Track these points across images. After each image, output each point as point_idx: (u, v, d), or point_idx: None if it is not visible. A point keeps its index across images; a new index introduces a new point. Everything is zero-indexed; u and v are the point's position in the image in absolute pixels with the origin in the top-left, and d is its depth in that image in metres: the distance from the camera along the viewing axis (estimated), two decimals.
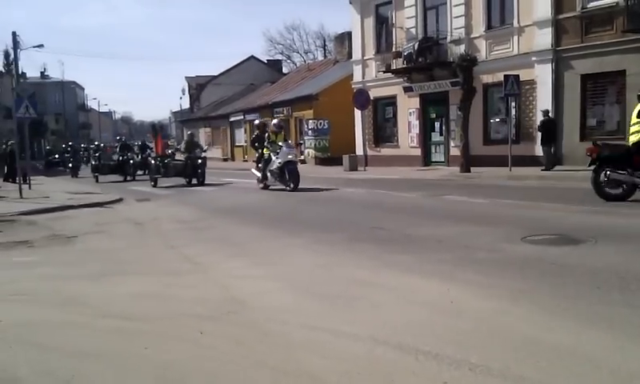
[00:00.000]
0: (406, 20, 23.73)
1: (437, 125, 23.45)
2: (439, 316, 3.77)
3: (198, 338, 3.53)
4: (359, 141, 26.00)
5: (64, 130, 73.33)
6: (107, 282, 5.35)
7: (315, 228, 8.18)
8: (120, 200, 14.19)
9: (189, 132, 25.47)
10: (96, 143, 37.04)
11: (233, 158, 41.48)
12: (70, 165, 30.50)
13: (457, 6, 21.56)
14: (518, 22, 19.70)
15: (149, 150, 24.46)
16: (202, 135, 48.32)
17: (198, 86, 53.38)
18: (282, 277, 5.21)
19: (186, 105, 64.10)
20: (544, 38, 18.83)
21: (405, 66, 23.00)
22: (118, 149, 26.51)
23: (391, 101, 25.44)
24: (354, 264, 5.56)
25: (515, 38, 19.91)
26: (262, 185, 15.88)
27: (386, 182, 17.59)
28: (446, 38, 22.01)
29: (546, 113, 17.90)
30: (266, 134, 16.30)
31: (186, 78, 58.03)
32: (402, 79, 24.03)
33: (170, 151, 21.00)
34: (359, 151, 25.83)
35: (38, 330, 3.90)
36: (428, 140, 23.80)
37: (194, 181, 18.83)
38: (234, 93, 47.04)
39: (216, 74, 52.23)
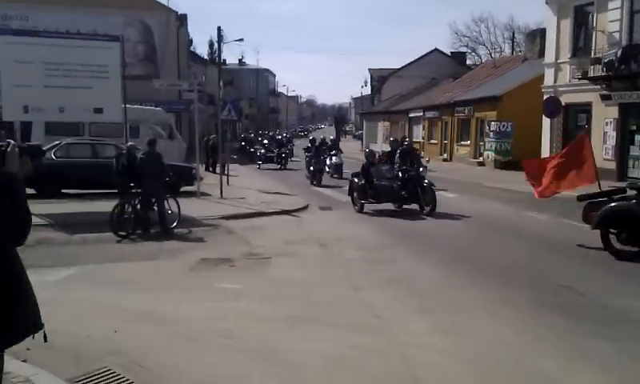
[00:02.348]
0: (609, 23, 21.74)
1: (637, 138, 21.33)
2: None
3: None
4: (545, 148, 24.60)
5: (256, 113, 79.26)
6: (299, 333, 5.86)
7: (497, 276, 8.06)
8: (305, 208, 15.17)
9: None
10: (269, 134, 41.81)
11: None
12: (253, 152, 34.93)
13: None
14: None
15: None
16: (381, 128, 49.12)
17: (380, 78, 54.18)
18: (465, 357, 5.18)
19: (367, 91, 65.50)
20: None
21: (604, 73, 21.17)
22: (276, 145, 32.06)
23: (585, 108, 23.59)
24: (542, 349, 5.37)
25: None
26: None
27: (575, 203, 16.50)
28: None
29: None
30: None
31: (369, 69, 59.17)
32: (599, 86, 22.15)
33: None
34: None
35: None
36: (625, 153, 21.75)
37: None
38: (416, 87, 46.93)
39: (398, 66, 52.50)
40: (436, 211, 13.85)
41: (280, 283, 7.88)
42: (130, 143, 12.73)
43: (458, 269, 8.62)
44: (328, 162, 24.57)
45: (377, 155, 16.28)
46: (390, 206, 14.65)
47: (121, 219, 11.06)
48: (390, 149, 16.86)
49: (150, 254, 9.66)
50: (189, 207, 13.02)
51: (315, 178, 21.61)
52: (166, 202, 11.58)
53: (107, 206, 12.06)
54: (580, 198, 10.31)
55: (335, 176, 23.88)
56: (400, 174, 14.47)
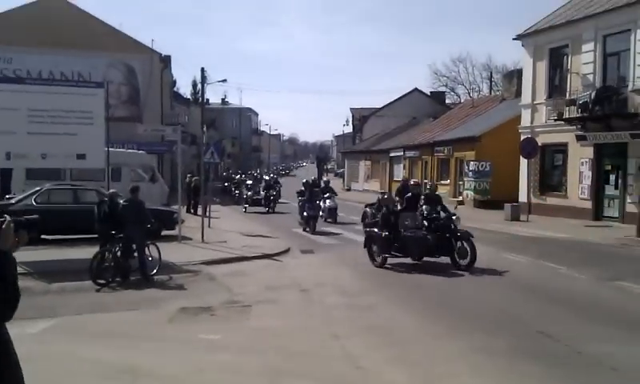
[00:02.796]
0: (583, 66, 22.47)
1: (612, 177, 21.84)
2: None
3: None
4: (523, 187, 25.07)
5: (239, 152, 79.56)
6: None
7: (476, 322, 8.16)
8: (287, 251, 15.21)
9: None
10: (253, 174, 40.84)
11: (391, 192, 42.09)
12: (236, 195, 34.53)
13: None
14: None
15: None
16: (362, 167, 49.61)
17: (361, 118, 54.98)
18: None
19: (349, 130, 66.25)
20: None
21: (579, 114, 21.76)
22: (263, 185, 30.58)
23: (561, 148, 24.17)
24: None
25: None
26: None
27: (553, 243, 16.79)
28: (627, 86, 20.49)
29: None
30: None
31: (351, 109, 60.11)
32: (574, 127, 22.74)
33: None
34: (522, 197, 24.89)
35: None
36: (601, 193, 22.24)
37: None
38: (397, 126, 47.67)
39: (379, 106, 53.40)
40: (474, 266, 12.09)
41: (260, 333, 7.90)
42: (112, 191, 12.79)
43: (438, 315, 8.71)
44: (322, 204, 22.29)
45: (396, 201, 14.72)
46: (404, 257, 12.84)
47: (101, 267, 11.00)
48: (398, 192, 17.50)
49: (130, 304, 9.62)
50: (169, 252, 13.00)
51: (309, 224, 19.76)
52: (146, 248, 11.58)
53: (86, 252, 12.05)
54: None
55: (329, 220, 22.28)
56: (426, 223, 12.77)
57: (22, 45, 32.59)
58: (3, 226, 2.71)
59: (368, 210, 16.71)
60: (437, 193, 14.38)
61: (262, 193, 29.14)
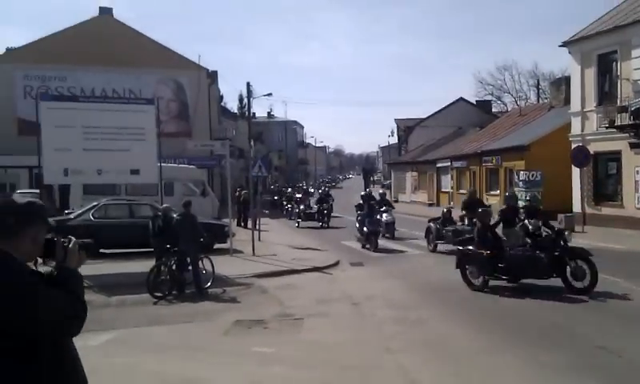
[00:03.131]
0: (634, 71, 21.83)
1: None
2: None
3: None
4: (576, 197, 24.43)
5: (285, 165, 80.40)
6: None
7: (533, 337, 8.02)
8: (337, 264, 15.32)
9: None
10: (302, 187, 40.44)
11: (438, 204, 41.60)
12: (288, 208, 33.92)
13: None
14: None
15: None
16: (409, 178, 49.32)
17: (406, 128, 54.71)
18: None
19: (394, 140, 66.07)
20: None
21: (632, 121, 21.13)
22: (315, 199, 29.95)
23: (615, 156, 23.46)
24: None
25: None
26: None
27: (612, 255, 16.23)
28: None
29: None
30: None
31: (395, 120, 59.93)
32: (627, 134, 22.08)
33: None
34: (576, 207, 24.27)
35: None
36: None
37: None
38: (442, 136, 47.22)
39: (424, 116, 53.02)
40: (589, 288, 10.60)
41: (313, 346, 8.00)
42: (165, 205, 13.18)
43: (492, 329, 8.61)
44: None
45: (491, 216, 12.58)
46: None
47: (157, 281, 11.37)
48: (466, 202, 17.41)
49: (186, 317, 9.88)
50: (222, 266, 13.29)
51: (370, 240, 18.16)
52: (200, 261, 11.88)
53: (143, 265, 12.44)
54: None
55: (387, 236, 20.33)
56: (528, 239, 11.62)
57: (75, 63, 33.89)
58: (70, 246, 2.86)
59: (432, 225, 17.22)
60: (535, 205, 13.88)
61: (314, 206, 28.56)
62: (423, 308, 10.23)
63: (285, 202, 36.28)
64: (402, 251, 17.94)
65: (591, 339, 7.84)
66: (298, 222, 27.68)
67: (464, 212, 17.12)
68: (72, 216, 16.63)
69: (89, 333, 8.33)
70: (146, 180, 15.85)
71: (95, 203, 16.98)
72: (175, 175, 21.87)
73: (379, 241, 18.60)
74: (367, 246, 18.27)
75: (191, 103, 38.27)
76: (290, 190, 44.26)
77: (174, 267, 11.56)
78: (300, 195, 34.12)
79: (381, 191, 28.08)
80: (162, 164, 16.46)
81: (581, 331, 8.34)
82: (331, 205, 29.26)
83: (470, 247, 11.65)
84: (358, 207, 21.36)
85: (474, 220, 13.63)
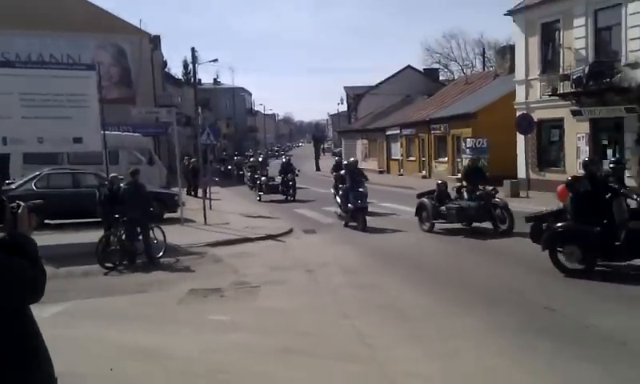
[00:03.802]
0: (575, 40, 22.45)
1: (609, 152, 21.91)
2: None
3: None
4: (521, 164, 25.16)
5: (234, 132, 79.33)
6: (291, 365, 5.99)
7: (483, 300, 8.25)
8: (290, 232, 15.31)
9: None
10: (251, 158, 39.45)
11: (388, 171, 42.11)
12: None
13: (633, 27, 19.96)
14: None
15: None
16: (359, 146, 49.58)
17: (355, 96, 54.77)
18: None
19: (343, 108, 66.17)
20: None
21: (573, 90, 21.79)
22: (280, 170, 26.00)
23: (557, 124, 24.23)
24: (529, 374, 5.57)
25: None
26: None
27: None
28: (620, 60, 20.52)
29: None
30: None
31: (345, 87, 59.85)
32: (569, 102, 22.79)
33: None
34: (521, 173, 24.99)
35: None
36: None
37: None
38: (391, 104, 47.56)
39: (373, 83, 53.17)
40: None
41: (270, 313, 8.00)
42: (112, 175, 12.78)
43: (445, 292, 8.80)
44: None
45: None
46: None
47: (107, 251, 11.07)
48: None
49: (139, 287, 9.69)
50: (173, 235, 13.07)
51: (357, 218, 15.53)
52: (151, 231, 11.63)
53: (91, 236, 12.10)
54: (527, 219, 10.52)
55: None
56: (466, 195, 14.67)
57: (9, 27, 32.11)
58: (19, 211, 2.76)
59: (426, 201, 15.00)
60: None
61: (277, 178, 25.70)
62: (377, 272, 10.37)
63: (237, 171, 35.88)
64: (395, 231, 15.34)
65: (539, 301, 8.14)
66: (260, 196, 25.02)
67: (463, 183, 15.27)
68: (13, 186, 15.92)
69: (38, 304, 8.05)
70: (89, 148, 15.23)
71: (37, 173, 16.31)
72: (120, 143, 21.19)
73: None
74: (352, 224, 15.75)
75: (134, 69, 37.03)
76: (237, 157, 43.84)
77: (123, 237, 11.27)
78: (250, 162, 32.77)
79: (352, 159, 26.15)
80: (106, 132, 15.94)
81: (527, 292, 8.66)
82: (296, 175, 25.90)
83: (562, 223, 9.67)
84: (338, 178, 18.34)
85: (478, 193, 14.33)
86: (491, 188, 14.66)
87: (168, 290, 9.47)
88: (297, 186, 25.71)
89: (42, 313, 7.49)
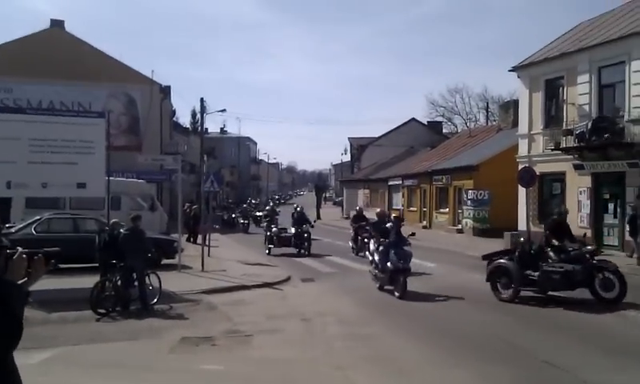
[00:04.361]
0: (579, 96, 22.69)
1: (610, 206, 21.88)
2: None
3: None
4: (522, 216, 25.05)
5: (237, 180, 79.81)
6: None
7: (478, 354, 8.08)
8: (287, 280, 15.18)
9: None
10: (267, 207, 39.14)
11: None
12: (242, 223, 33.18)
13: (637, 84, 20.23)
14: None
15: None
16: (361, 196, 49.72)
17: (359, 147, 55.28)
18: None
19: (347, 158, 66.65)
20: None
21: (576, 144, 21.90)
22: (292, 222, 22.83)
23: (559, 177, 24.27)
24: None
25: None
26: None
27: None
28: (623, 116, 20.68)
29: None
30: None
31: (349, 138, 60.49)
32: (572, 156, 22.88)
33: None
34: (521, 226, 24.86)
35: None
36: (599, 222, 22.27)
37: None
38: (394, 155, 47.94)
39: (377, 135, 53.73)
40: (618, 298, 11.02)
41: (262, 363, 7.85)
42: (113, 220, 12.80)
43: (440, 345, 8.64)
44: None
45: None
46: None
47: (101, 296, 10.98)
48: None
49: (131, 334, 9.56)
50: (170, 281, 12.97)
51: (396, 281, 12.88)
52: (147, 277, 11.56)
53: (86, 281, 11.99)
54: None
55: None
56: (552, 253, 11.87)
57: (22, 76, 32.85)
58: (14, 257, 2.61)
59: (508, 262, 12.20)
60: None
61: (291, 229, 22.39)
62: (372, 323, 10.22)
63: (244, 221, 35.81)
64: (448, 298, 12.40)
65: (536, 355, 7.95)
66: (269, 248, 22.04)
67: (547, 233, 12.61)
68: (13, 230, 15.94)
69: (27, 350, 7.92)
70: (92, 194, 15.31)
71: (38, 217, 16.36)
72: (123, 189, 21.33)
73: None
74: (389, 287, 13.22)
75: (142, 117, 37.61)
76: (245, 205, 43.83)
77: (119, 283, 11.20)
78: (266, 211, 30.98)
79: (358, 208, 25.07)
80: (110, 178, 16.03)
81: (525, 344, 8.48)
82: (312, 226, 22.98)
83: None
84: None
85: (574, 253, 11.68)
86: (590, 247, 12.21)
87: (159, 337, 9.33)
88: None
89: (29, 359, 7.45)
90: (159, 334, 9.57)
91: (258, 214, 35.89)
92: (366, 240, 15.58)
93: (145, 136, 37.17)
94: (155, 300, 11.58)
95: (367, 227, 17.30)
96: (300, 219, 22.49)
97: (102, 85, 35.10)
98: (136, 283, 11.38)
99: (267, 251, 22.03)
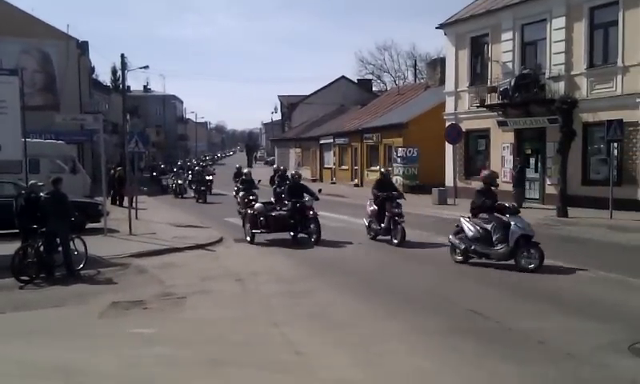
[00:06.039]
0: (503, 54, 23.33)
1: (532, 161, 22.86)
2: None
3: None
4: (449, 172, 25.81)
5: (164, 141, 77.50)
6: (220, 376, 5.78)
7: (411, 305, 8.33)
8: (220, 241, 14.97)
9: None
10: (194, 162, 38.17)
11: (321, 179, 42.28)
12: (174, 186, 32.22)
13: (557, 42, 20.98)
14: (623, 62, 18.91)
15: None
16: (292, 155, 49.61)
17: (290, 105, 54.86)
18: None
19: (277, 117, 66.13)
20: None
21: (500, 101, 22.61)
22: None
23: (484, 134, 25.07)
24: (455, 375, 5.63)
25: (619, 77, 19.14)
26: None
27: None
28: (544, 73, 21.45)
29: None
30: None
31: (279, 96, 59.85)
32: (496, 113, 23.61)
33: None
34: (449, 182, 25.64)
35: None
36: (522, 176, 23.22)
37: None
38: (325, 113, 47.93)
39: (307, 93, 53.43)
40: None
41: (197, 324, 7.73)
42: (32, 182, 12.12)
43: (374, 299, 8.81)
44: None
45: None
46: None
47: (23, 263, 10.45)
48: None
49: (57, 300, 9.17)
50: (96, 246, 12.51)
51: (393, 231, 13.99)
52: (71, 242, 11.07)
53: (7, 248, 11.37)
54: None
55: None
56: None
57: None
58: None
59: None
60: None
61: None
62: (309, 280, 10.27)
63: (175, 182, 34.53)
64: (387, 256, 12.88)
65: (462, 304, 8.28)
66: (253, 234, 14.89)
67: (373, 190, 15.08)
68: None
69: None
70: (8, 156, 14.33)
71: None
72: (42, 151, 20.29)
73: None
74: (385, 237, 14.11)
75: (59, 75, 35.65)
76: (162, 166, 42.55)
77: (41, 249, 10.66)
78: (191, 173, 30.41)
79: (281, 167, 23.63)
80: (27, 140, 15.15)
81: (452, 296, 8.83)
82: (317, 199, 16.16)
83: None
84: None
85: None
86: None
87: (87, 303, 8.98)
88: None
89: None
90: (87, 299, 9.21)
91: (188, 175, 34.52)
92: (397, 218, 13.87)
93: (62, 95, 35.31)
94: (81, 265, 11.14)
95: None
96: (296, 188, 15.35)
97: (13, 40, 32.83)
98: (60, 248, 10.87)
99: (249, 238, 14.93)
